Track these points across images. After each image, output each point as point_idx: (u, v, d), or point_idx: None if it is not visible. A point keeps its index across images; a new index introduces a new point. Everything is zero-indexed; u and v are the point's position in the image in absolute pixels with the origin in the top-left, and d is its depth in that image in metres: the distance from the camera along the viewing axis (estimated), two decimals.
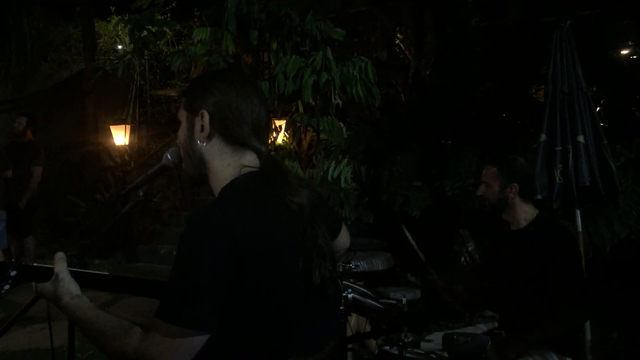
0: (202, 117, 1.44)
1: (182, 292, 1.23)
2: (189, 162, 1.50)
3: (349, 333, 3.00)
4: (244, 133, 1.44)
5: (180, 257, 1.26)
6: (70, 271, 1.51)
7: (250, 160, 1.45)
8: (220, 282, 1.24)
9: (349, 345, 3.05)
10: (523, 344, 2.47)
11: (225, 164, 1.44)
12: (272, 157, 1.50)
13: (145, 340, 1.26)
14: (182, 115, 1.51)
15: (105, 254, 8.30)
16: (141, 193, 1.70)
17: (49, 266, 1.51)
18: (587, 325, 3.53)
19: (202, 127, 1.44)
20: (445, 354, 2.45)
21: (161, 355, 1.23)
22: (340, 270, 2.60)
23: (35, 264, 1.59)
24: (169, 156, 1.62)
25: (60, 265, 1.50)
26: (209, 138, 1.45)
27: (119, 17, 10.64)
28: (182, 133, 1.51)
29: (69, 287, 1.47)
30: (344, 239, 1.80)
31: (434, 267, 5.85)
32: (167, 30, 6.83)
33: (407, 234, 4.70)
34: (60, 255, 1.53)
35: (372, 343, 3.61)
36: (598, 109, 6.06)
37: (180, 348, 1.23)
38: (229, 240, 1.25)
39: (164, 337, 1.23)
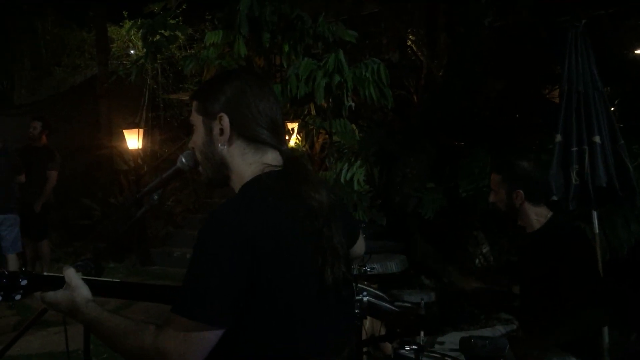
0: (221, 120, 1.43)
1: (198, 288, 1.25)
2: (209, 165, 1.48)
3: (363, 336, 2.98)
4: (264, 132, 1.44)
5: (196, 255, 1.28)
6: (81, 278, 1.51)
7: (273, 157, 1.44)
8: (234, 279, 1.25)
9: (364, 349, 3.03)
10: (541, 346, 2.44)
11: (248, 163, 1.43)
12: (293, 155, 1.49)
13: (161, 334, 1.27)
14: (197, 119, 1.49)
15: (120, 257, 8.33)
16: (156, 197, 1.69)
17: (60, 275, 1.50)
18: (605, 327, 3.48)
19: (222, 130, 1.43)
20: (462, 357, 2.43)
21: (177, 350, 1.24)
22: (355, 273, 2.58)
23: (45, 273, 1.58)
24: (183, 159, 1.61)
25: (70, 272, 1.49)
26: (229, 140, 1.44)
27: (132, 21, 10.70)
28: (199, 138, 1.48)
29: (83, 292, 1.46)
30: (360, 247, 1.79)
31: (449, 269, 5.82)
32: (180, 34, 6.84)
33: None
34: (67, 266, 1.52)
35: (388, 346, 3.58)
36: (612, 108, 6.01)
37: (196, 342, 1.24)
38: (242, 239, 1.25)
39: (180, 331, 1.25)
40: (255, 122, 1.43)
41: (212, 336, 1.25)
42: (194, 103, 1.51)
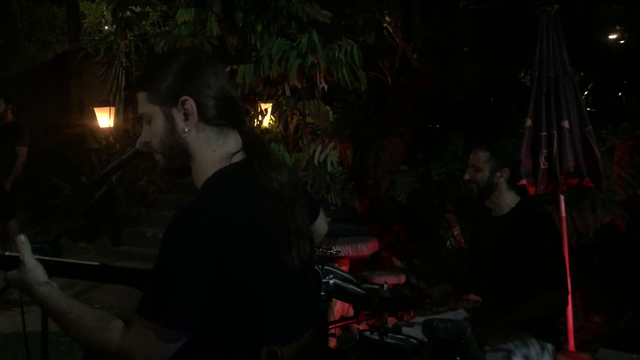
0: (184, 104, 1.34)
1: (164, 291, 1.23)
2: (172, 155, 1.40)
3: (332, 318, 2.99)
4: (225, 111, 1.38)
5: (164, 254, 1.25)
6: (40, 259, 1.45)
7: (235, 139, 1.39)
8: (202, 282, 1.23)
9: (332, 331, 3.04)
10: (499, 323, 2.50)
11: (212, 150, 1.37)
12: (254, 134, 1.44)
13: (127, 337, 1.25)
14: (153, 110, 1.38)
15: (91, 237, 8.25)
16: (114, 179, 1.66)
17: (17, 254, 1.46)
18: (569, 310, 3.55)
19: (186, 115, 1.35)
20: (426, 339, 2.45)
21: (142, 354, 1.24)
22: (322, 256, 2.58)
23: (7, 253, 1.54)
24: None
25: (25, 251, 1.42)
26: (195, 125, 1.36)
27: None
28: (158, 129, 1.38)
29: (36, 274, 1.40)
30: (321, 225, 1.77)
31: (420, 251, 5.87)
32: (151, 11, 6.69)
33: None
34: (22, 238, 1.43)
35: (356, 328, 3.61)
36: (586, 93, 6.07)
37: (162, 347, 1.23)
38: (212, 239, 1.23)
39: (146, 335, 1.23)
40: (216, 101, 1.36)
41: (179, 340, 1.24)
42: (143, 95, 1.39)
